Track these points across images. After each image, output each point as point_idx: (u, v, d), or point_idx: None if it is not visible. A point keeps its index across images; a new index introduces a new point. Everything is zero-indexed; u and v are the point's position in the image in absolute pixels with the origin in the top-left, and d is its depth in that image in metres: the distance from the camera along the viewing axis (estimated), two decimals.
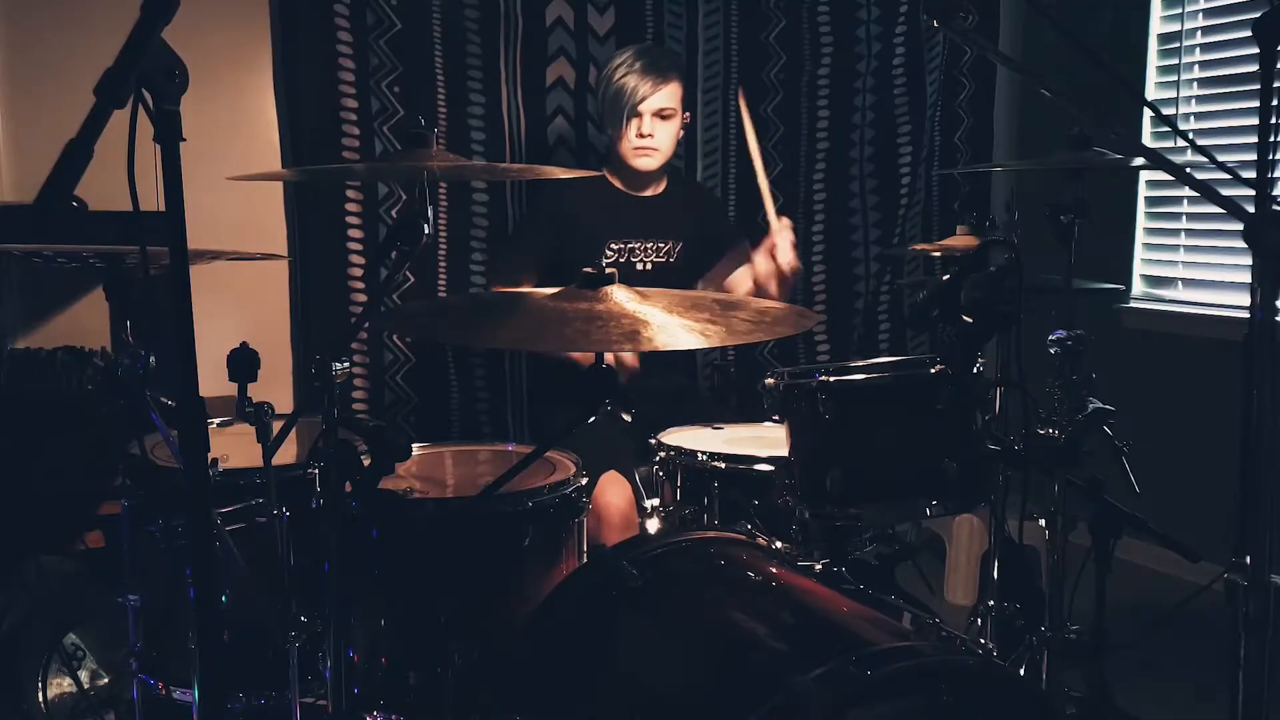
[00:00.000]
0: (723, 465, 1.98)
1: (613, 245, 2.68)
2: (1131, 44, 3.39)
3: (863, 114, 3.51)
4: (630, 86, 2.55)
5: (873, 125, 3.54)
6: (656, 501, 2.11)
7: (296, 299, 3.00)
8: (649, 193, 2.74)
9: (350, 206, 2.97)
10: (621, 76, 2.57)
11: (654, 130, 2.58)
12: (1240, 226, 1.15)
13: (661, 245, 2.72)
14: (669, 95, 2.58)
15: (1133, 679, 2.19)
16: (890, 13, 3.46)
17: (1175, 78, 3.33)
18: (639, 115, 2.57)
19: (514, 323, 1.53)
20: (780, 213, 2.68)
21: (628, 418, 1.37)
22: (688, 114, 2.70)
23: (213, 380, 1.37)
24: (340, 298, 2.97)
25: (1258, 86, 1.16)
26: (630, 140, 2.60)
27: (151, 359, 1.58)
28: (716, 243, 2.83)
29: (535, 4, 3.09)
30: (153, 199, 1.07)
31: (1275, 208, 1.15)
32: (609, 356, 2.45)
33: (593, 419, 1.36)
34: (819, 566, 1.88)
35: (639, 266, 2.69)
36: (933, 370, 1.68)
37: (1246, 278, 2.19)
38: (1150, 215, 3.45)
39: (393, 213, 3.00)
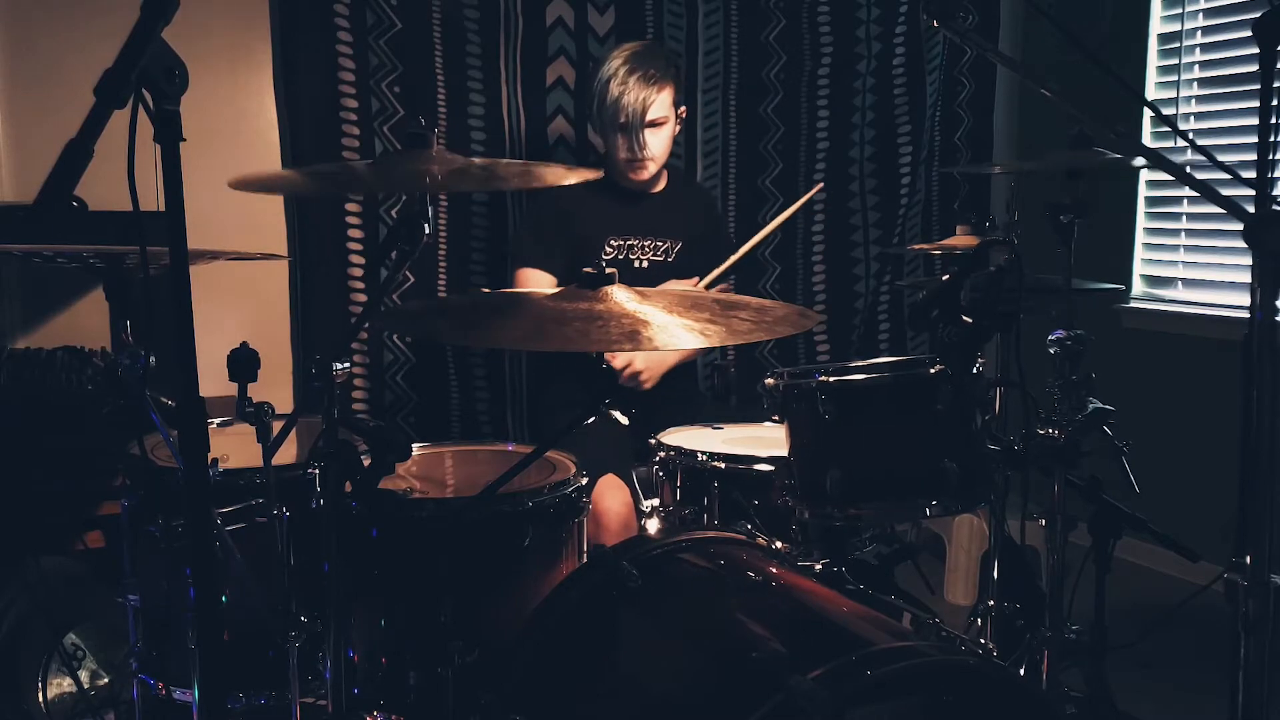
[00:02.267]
0: (723, 465, 1.98)
1: (613, 241, 2.68)
2: (1131, 44, 3.39)
3: (863, 114, 3.51)
4: (620, 104, 2.53)
5: (873, 125, 3.54)
6: (656, 502, 2.11)
7: (296, 299, 3.00)
8: (650, 190, 2.74)
9: (350, 206, 2.97)
10: (613, 91, 2.54)
11: (647, 142, 2.57)
12: (1240, 226, 1.15)
13: (660, 244, 2.71)
14: (660, 105, 2.56)
15: (1133, 679, 2.19)
16: (890, 13, 3.46)
17: (1175, 78, 3.33)
18: (631, 131, 2.55)
19: (514, 323, 1.53)
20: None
21: (625, 420, 1.37)
22: (684, 108, 2.69)
23: (213, 380, 1.37)
24: (340, 298, 2.97)
25: (1258, 86, 1.16)
26: (623, 154, 2.59)
27: (151, 359, 1.58)
28: (707, 247, 2.82)
29: (535, 4, 3.09)
30: (153, 199, 1.07)
31: (1275, 208, 1.15)
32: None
33: (592, 419, 1.36)
34: (819, 566, 1.88)
35: (636, 264, 2.69)
36: (933, 370, 1.68)
37: (1246, 278, 2.19)
38: (1150, 215, 3.45)
39: (392, 213, 3.00)
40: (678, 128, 2.68)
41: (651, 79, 2.54)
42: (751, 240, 2.70)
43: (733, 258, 2.65)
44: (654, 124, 2.57)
